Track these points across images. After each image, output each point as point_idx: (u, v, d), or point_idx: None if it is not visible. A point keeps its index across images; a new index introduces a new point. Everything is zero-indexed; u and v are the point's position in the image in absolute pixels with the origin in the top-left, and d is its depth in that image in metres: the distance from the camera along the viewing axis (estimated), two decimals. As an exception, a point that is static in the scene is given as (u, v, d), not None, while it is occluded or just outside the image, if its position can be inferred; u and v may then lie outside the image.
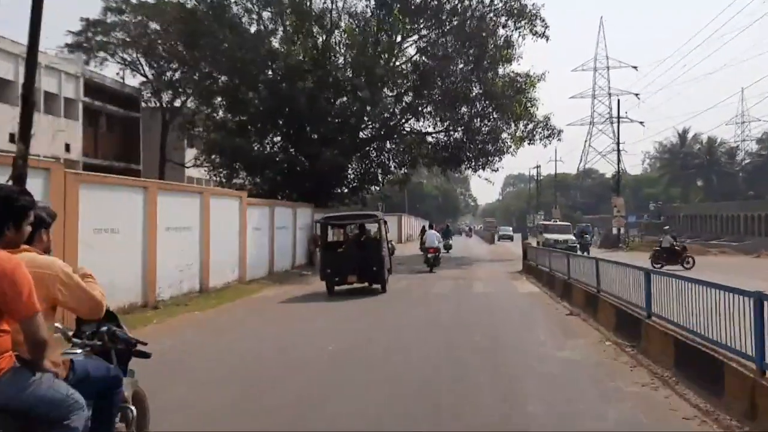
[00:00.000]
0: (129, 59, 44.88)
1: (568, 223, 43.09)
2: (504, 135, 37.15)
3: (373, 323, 12.96)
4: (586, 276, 13.79)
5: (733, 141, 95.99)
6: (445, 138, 37.00)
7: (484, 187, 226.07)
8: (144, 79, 45.28)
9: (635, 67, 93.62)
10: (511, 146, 37.47)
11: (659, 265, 25.27)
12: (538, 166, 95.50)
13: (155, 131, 43.70)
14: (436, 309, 14.79)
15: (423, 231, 53.66)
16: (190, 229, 17.47)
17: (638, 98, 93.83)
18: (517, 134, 36.57)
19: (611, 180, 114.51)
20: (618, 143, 48.30)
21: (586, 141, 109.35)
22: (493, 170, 38.72)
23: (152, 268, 15.25)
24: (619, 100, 48.02)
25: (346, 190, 36.96)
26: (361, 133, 35.79)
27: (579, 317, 12.59)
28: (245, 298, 17.77)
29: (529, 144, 36.97)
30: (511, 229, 74.40)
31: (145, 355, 4.27)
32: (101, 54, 44.04)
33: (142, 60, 44.39)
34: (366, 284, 18.97)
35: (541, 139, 36.92)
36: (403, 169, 37.89)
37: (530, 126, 36.52)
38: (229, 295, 18.15)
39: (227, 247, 19.75)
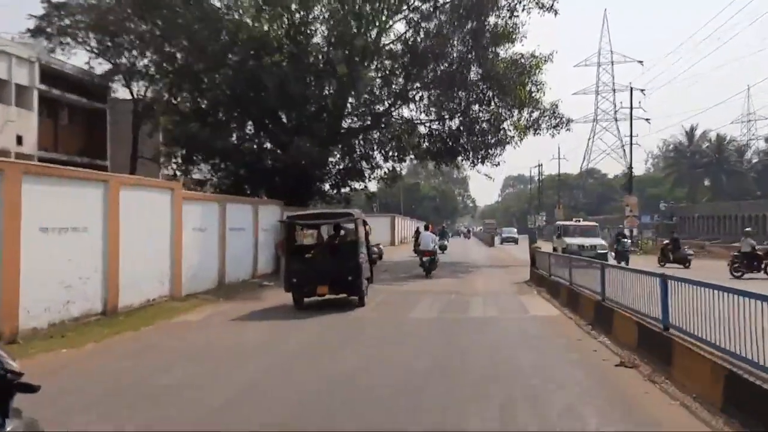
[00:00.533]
0: (98, 46, 40.11)
1: (595, 224, 33.75)
2: (506, 124, 32.53)
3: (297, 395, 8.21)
4: (638, 300, 9.04)
5: (740, 139, 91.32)
6: (439, 126, 32.27)
7: (483, 188, 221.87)
8: (111, 66, 40.53)
9: (641, 62, 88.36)
10: (513, 137, 32.82)
11: (739, 274, 20.93)
12: (540, 165, 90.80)
13: (125, 124, 38.91)
14: (410, 354, 9.58)
15: (417, 233, 49.41)
16: (86, 230, 12.70)
17: (643, 94, 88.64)
18: (521, 122, 31.84)
19: (621, 178, 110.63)
20: (631, 136, 43.74)
21: (589, 139, 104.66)
22: (493, 164, 33.98)
23: (11, 286, 10.51)
24: (632, 89, 43.50)
25: (327, 187, 32.23)
26: (343, 122, 31.08)
27: (638, 371, 7.75)
28: (160, 323, 12.98)
29: (534, 134, 32.21)
30: (515, 230, 66.76)
31: (32, 389, 3.33)
32: (66, 40, 39.27)
33: (110, 44, 39.61)
34: (342, 295, 15.73)
35: (548, 129, 32.14)
36: (389, 161, 33.13)
37: (535, 114, 31.80)
38: (144, 317, 13.42)
39: (151, 253, 15.02)
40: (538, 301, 15.91)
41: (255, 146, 27.20)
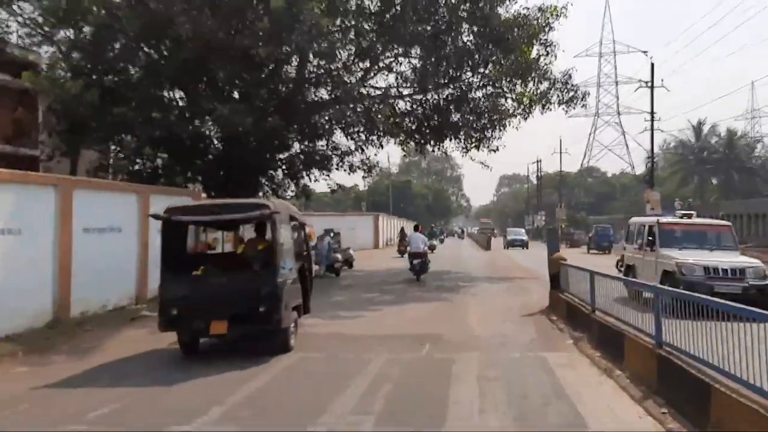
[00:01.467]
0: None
1: (728, 223, 16.55)
2: (506, 98, 25.26)
3: None
4: None
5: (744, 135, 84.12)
6: (421, 97, 24.91)
7: (478, 187, 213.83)
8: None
9: (645, 52, 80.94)
10: (515, 114, 25.53)
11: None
12: (539, 160, 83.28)
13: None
14: None
15: (402, 233, 42.39)
16: None
17: (647, 86, 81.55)
18: (526, 94, 24.52)
19: (624, 176, 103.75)
20: (652, 116, 36.25)
21: (590, 134, 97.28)
22: (491, 150, 26.65)
23: None
24: (653, 64, 35.97)
25: (281, 176, 24.82)
26: (302, 95, 23.66)
27: None
28: None
29: (543, 109, 24.82)
30: (524, 231, 55.32)
31: None
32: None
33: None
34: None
35: (559, 103, 24.82)
36: (361, 145, 25.68)
37: (544, 85, 24.49)
38: None
39: None
40: (585, 370, 8.18)
41: (173, 118, 19.66)
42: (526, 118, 25.66)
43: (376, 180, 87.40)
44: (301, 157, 25.03)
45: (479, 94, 25.20)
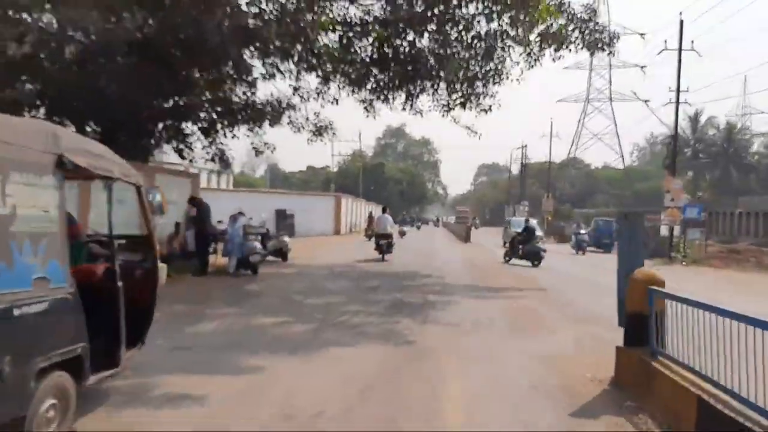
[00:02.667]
0: None
1: None
2: (505, 44, 18.16)
3: None
4: None
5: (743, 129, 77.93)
6: (388, 31, 17.52)
7: (456, 175, 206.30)
8: None
9: (642, 35, 73.97)
10: (518, 62, 18.52)
11: None
12: (524, 146, 76.18)
13: None
14: None
15: (370, 217, 36.98)
16: None
17: (643, 72, 75.22)
18: (533, 33, 17.40)
19: (611, 170, 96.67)
20: (678, 85, 29.06)
21: (579, 120, 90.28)
22: (482, 110, 19.57)
23: None
24: (681, 21, 28.67)
25: (184, 126, 17.40)
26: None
27: None
28: None
29: (556, 52, 17.77)
30: (535, 222, 30.94)
31: None
32: None
33: None
34: None
35: (582, 46, 17.72)
36: (299, 94, 18.37)
37: (558, 23, 17.36)
38: None
39: None
40: None
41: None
42: (532, 65, 18.50)
43: (347, 161, 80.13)
44: (217, 108, 17.65)
45: (469, 37, 18.11)
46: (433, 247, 33.84)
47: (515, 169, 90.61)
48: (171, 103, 15.92)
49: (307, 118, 20.39)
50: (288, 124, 19.95)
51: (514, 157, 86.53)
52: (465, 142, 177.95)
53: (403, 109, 20.82)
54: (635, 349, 5.92)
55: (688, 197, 44.18)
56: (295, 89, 17.77)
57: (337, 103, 20.09)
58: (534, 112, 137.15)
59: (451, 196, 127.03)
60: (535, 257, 21.68)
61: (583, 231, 32.51)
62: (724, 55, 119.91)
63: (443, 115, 20.39)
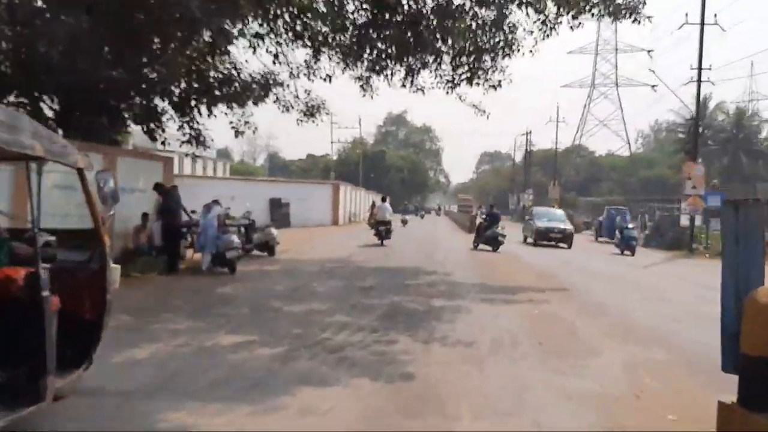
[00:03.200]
0: None
1: None
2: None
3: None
4: None
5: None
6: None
7: (458, 163, 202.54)
8: None
9: (649, 18, 70.83)
10: (531, 30, 16.39)
11: None
12: (528, 132, 73.51)
13: None
14: None
15: (373, 206, 35.88)
16: None
17: (650, 56, 72.54)
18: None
19: (615, 157, 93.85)
20: (700, 62, 26.40)
21: (585, 106, 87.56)
22: (491, 86, 17.36)
23: None
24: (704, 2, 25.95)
25: (155, 101, 15.16)
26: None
27: None
28: None
29: (574, 19, 15.59)
30: (563, 214, 30.14)
31: None
32: None
33: None
34: None
35: (600, 12, 15.44)
36: (289, 67, 16.21)
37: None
38: None
39: None
40: None
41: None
42: (547, 35, 16.23)
43: (348, 148, 77.84)
44: (193, 84, 15.43)
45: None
46: (436, 237, 31.63)
47: (518, 157, 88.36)
48: (136, 75, 13.62)
49: (297, 96, 18.24)
50: (275, 102, 17.76)
51: (518, 144, 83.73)
52: (468, 128, 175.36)
53: (403, 85, 18.58)
54: (759, 415, 3.72)
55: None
56: (276, 56, 15.49)
57: (330, 81, 17.86)
58: (538, 98, 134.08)
59: (453, 184, 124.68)
60: (494, 242, 22.57)
61: (631, 225, 25.57)
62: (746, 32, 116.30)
63: (447, 92, 18.16)
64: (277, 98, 17.75)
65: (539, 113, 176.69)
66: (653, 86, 77.50)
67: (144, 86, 13.99)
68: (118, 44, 12.72)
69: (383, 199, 26.13)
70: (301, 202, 34.64)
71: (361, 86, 19.03)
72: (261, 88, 17.00)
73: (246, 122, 16.27)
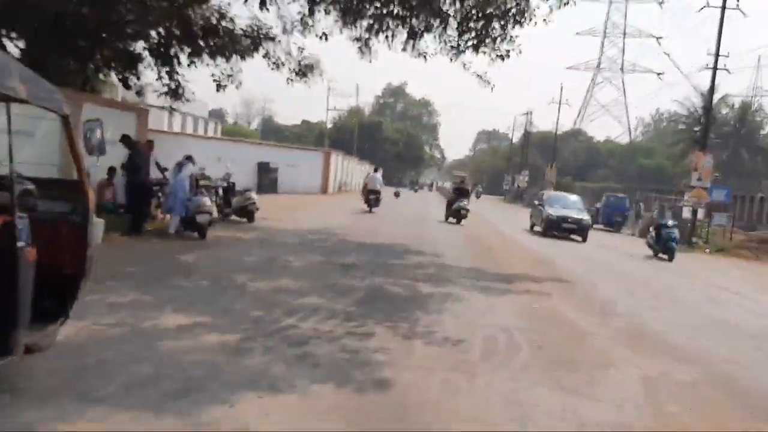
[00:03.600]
0: None
1: None
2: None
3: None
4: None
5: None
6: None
7: (455, 139, 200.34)
8: None
9: (661, 3, 69.58)
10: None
11: None
12: (529, 112, 71.80)
13: None
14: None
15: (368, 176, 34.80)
16: None
17: (659, 43, 70.83)
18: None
19: (612, 143, 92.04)
20: (718, 47, 24.89)
21: (588, 90, 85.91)
22: (498, 56, 16.02)
23: None
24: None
25: (131, 46, 13.78)
26: None
27: None
28: None
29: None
30: (579, 200, 25.36)
31: None
32: None
33: None
34: None
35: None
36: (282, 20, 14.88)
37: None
38: None
39: None
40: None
41: None
42: (565, 2, 14.88)
43: (344, 116, 76.10)
44: (174, 30, 14.04)
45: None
46: (428, 212, 30.44)
47: (516, 138, 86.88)
48: (106, 13, 12.20)
49: (289, 53, 16.89)
50: (264, 57, 16.40)
51: (517, 124, 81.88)
52: (467, 104, 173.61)
53: (404, 49, 17.13)
54: None
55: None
56: (263, 2, 14.06)
57: (326, 39, 16.43)
58: (542, 78, 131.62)
59: (448, 160, 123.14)
60: (456, 215, 23.19)
61: (671, 222, 19.10)
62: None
63: (451, 59, 16.80)
64: (267, 53, 16.43)
65: (541, 94, 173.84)
66: (659, 74, 76.47)
67: (116, 27, 12.56)
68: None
69: (375, 170, 28.31)
70: (291, 168, 33.32)
71: (360, 48, 17.63)
72: (250, 42, 15.69)
73: (230, 76, 14.90)
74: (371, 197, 25.30)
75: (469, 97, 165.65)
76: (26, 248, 3.72)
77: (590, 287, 11.64)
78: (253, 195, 16.36)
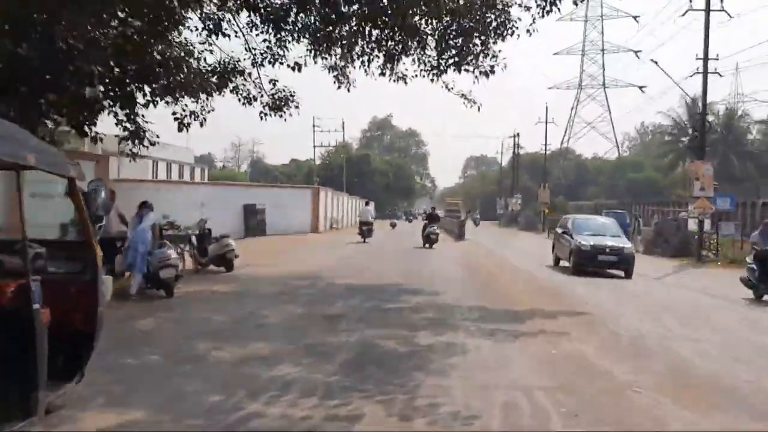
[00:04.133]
0: None
1: None
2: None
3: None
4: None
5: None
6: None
7: (444, 168, 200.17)
8: None
9: (636, 18, 69.40)
10: (529, 5, 13.85)
11: None
12: (516, 135, 70.76)
13: None
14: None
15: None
16: None
17: (638, 57, 70.34)
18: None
19: (600, 160, 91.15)
20: (706, 52, 23.58)
21: (572, 108, 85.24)
22: (481, 72, 14.75)
23: None
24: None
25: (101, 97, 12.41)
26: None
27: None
28: None
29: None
30: (611, 223, 20.52)
31: None
32: None
33: None
34: None
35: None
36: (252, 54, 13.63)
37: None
38: None
39: None
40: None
41: None
42: (548, 11, 13.63)
43: (331, 153, 75.08)
44: (129, 67, 12.74)
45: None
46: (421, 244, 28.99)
47: (505, 161, 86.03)
48: (47, 52, 10.84)
49: (260, 87, 15.66)
50: (233, 92, 15.14)
51: (506, 147, 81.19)
52: (453, 131, 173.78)
53: (382, 73, 15.87)
54: None
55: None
56: (217, 31, 12.79)
57: (299, 70, 15.21)
58: (524, 101, 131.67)
59: (439, 189, 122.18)
60: (427, 239, 24.97)
61: None
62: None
63: (432, 80, 15.56)
64: (236, 88, 15.18)
65: (526, 116, 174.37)
66: (641, 87, 75.89)
67: (60, 67, 11.19)
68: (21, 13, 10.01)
69: (366, 203, 31.04)
70: (278, 208, 31.91)
71: (336, 77, 16.43)
72: (217, 78, 14.44)
73: (192, 113, 13.55)
74: (364, 228, 27.56)
75: (455, 124, 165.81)
76: (40, 310, 3.90)
77: (605, 314, 10.15)
78: (231, 241, 14.89)
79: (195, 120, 13.67)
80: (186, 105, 13.86)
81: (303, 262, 17.73)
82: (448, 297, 11.59)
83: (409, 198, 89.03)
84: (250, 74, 15.36)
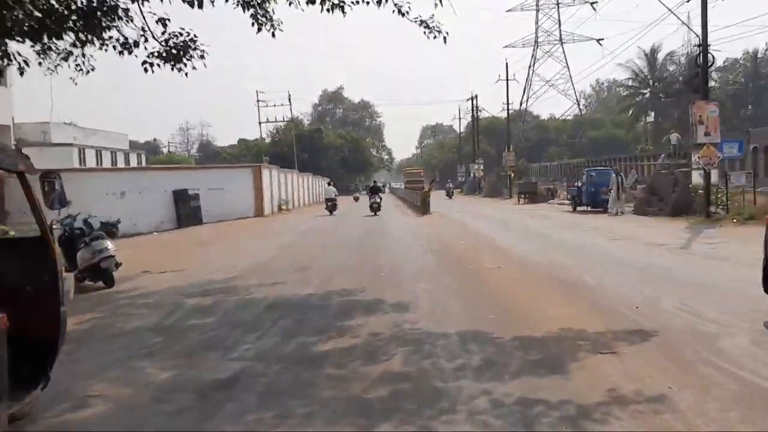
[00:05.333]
0: None
1: None
2: None
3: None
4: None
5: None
6: None
7: (400, 138, 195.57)
8: None
9: (593, 3, 65.57)
10: None
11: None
12: (474, 96, 66.36)
13: None
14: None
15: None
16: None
17: (594, 8, 66.49)
18: None
19: (560, 120, 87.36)
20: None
21: (530, 66, 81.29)
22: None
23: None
24: None
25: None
26: None
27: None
28: None
29: None
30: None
31: None
32: None
33: None
34: None
35: None
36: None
37: None
38: None
39: None
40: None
41: None
42: None
43: (281, 130, 69.96)
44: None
45: None
46: (382, 222, 24.69)
47: (463, 127, 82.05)
48: None
49: (144, 30, 11.18)
50: (108, 40, 10.62)
51: (463, 112, 76.86)
52: (408, 100, 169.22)
53: (312, 1, 11.38)
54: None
55: (678, 136, 36.18)
56: None
57: (201, 6, 10.67)
58: (479, 63, 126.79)
59: (397, 161, 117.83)
60: (371, 209, 28.37)
61: None
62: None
63: (379, 3, 11.15)
64: (106, 31, 10.63)
65: (482, 80, 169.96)
66: (599, 40, 72.33)
67: None
68: None
69: (329, 183, 35.65)
70: (215, 192, 27.28)
71: (253, 16, 11.92)
72: (83, 18, 9.93)
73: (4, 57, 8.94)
74: (329, 203, 31.42)
75: (409, 93, 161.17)
76: None
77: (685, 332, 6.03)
78: (108, 244, 10.25)
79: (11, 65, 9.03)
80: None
81: (227, 260, 13.31)
82: (423, 314, 7.26)
83: (366, 172, 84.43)
84: (128, 10, 10.90)
